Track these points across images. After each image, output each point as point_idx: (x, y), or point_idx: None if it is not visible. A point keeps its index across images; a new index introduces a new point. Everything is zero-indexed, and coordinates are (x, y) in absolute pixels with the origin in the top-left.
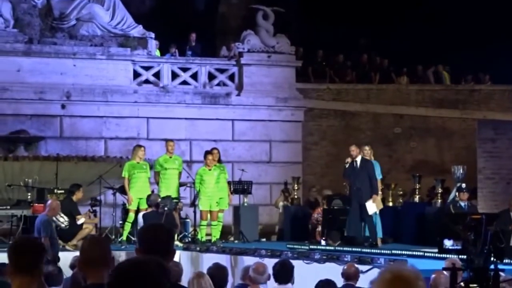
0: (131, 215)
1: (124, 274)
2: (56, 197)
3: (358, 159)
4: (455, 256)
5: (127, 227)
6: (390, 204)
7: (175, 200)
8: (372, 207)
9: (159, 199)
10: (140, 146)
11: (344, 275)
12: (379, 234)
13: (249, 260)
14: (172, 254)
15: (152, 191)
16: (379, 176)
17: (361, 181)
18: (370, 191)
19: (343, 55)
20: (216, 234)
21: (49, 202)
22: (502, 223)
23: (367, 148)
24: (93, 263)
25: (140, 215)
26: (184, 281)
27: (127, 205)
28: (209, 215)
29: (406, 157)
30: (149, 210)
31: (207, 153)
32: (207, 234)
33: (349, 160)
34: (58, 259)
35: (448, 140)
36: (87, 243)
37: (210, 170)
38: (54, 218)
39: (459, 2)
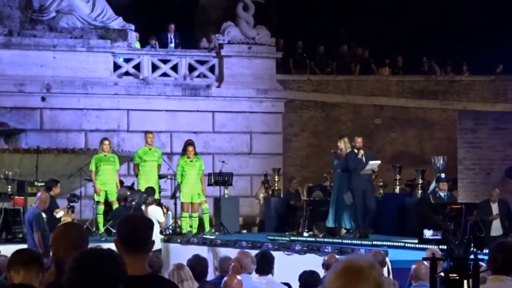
0: (100, 207)
1: (81, 264)
2: (37, 190)
3: (362, 151)
4: (435, 246)
5: (100, 219)
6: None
7: (144, 195)
8: (350, 197)
9: (128, 193)
10: (105, 139)
11: (325, 266)
12: (350, 225)
13: (230, 252)
14: (151, 244)
15: (132, 183)
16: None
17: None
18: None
19: (323, 46)
20: (196, 226)
21: (38, 194)
22: (482, 214)
23: (342, 141)
24: (73, 246)
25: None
26: (164, 272)
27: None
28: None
29: (386, 148)
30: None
31: (188, 144)
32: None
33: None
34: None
35: (428, 131)
36: (64, 228)
37: (192, 161)
38: None
39: None
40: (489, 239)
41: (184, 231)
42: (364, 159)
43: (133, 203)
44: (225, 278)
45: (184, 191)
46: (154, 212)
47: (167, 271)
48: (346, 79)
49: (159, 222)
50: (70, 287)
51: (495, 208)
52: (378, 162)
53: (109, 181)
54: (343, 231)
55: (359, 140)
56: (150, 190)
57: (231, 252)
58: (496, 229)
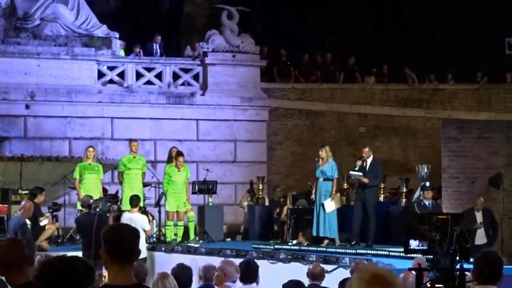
0: None
1: (52, 269)
2: (21, 198)
3: (369, 160)
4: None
5: None
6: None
7: (109, 203)
8: (330, 205)
9: (91, 201)
10: (90, 147)
11: (310, 274)
12: (335, 234)
13: (214, 260)
14: (137, 254)
15: (117, 192)
16: (335, 175)
17: (369, 179)
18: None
19: (308, 54)
20: (180, 234)
21: (23, 203)
22: (466, 222)
23: (320, 150)
24: (14, 264)
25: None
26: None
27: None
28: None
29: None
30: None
31: (178, 154)
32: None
33: (359, 162)
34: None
35: (412, 139)
36: (5, 246)
37: (179, 171)
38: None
39: (422, 4)
40: (474, 248)
41: (168, 239)
42: (368, 169)
43: (97, 209)
44: None
45: (169, 200)
46: (140, 220)
47: (151, 280)
48: (330, 87)
49: (144, 231)
50: None
51: (479, 216)
52: (360, 174)
53: (93, 190)
54: (326, 241)
55: (366, 150)
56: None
57: (215, 261)
58: (480, 237)
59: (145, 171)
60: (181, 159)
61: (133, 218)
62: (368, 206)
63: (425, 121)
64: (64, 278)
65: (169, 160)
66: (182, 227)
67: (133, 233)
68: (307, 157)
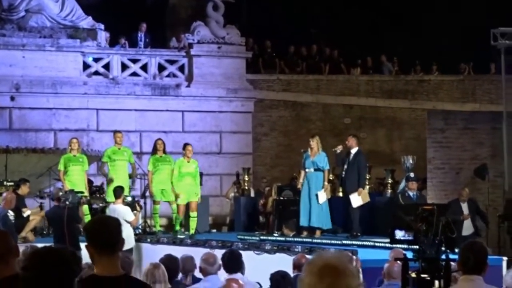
0: None
1: (40, 259)
2: (6, 190)
3: (353, 150)
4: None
5: None
6: (340, 194)
7: (79, 194)
8: (357, 200)
9: (60, 193)
10: (74, 138)
11: (295, 265)
12: (328, 225)
13: (199, 252)
14: (122, 243)
15: (102, 183)
16: (326, 166)
17: (349, 172)
18: (356, 183)
19: (293, 46)
20: (194, 226)
21: (4, 194)
22: (452, 213)
23: (310, 140)
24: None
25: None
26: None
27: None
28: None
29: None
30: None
31: (186, 145)
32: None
33: (340, 147)
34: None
35: (398, 131)
36: None
37: (188, 162)
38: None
39: None
40: (460, 239)
41: (155, 229)
42: (351, 159)
43: (67, 203)
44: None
45: (180, 191)
46: (122, 212)
47: (138, 271)
48: (315, 78)
49: (127, 221)
50: (23, 285)
51: (465, 207)
52: (360, 200)
53: (77, 181)
54: (318, 231)
55: (349, 140)
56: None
57: (201, 252)
58: (467, 228)
59: (133, 162)
60: (190, 148)
61: (116, 209)
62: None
63: (410, 112)
64: (52, 268)
65: (154, 151)
66: (195, 218)
67: (115, 223)
68: (292, 148)
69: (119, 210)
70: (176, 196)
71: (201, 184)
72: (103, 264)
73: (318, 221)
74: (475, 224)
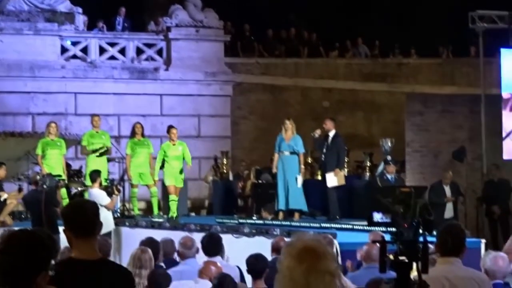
0: None
1: (16, 242)
2: None
3: (331, 133)
4: (378, 229)
5: None
6: (319, 177)
7: (57, 178)
8: (333, 180)
9: (38, 177)
10: (52, 122)
11: (274, 248)
12: (305, 207)
13: (178, 235)
14: (99, 227)
15: (80, 167)
16: (301, 150)
17: (329, 155)
18: (335, 166)
19: (272, 29)
20: (175, 209)
21: None
22: (435, 196)
23: (287, 122)
24: None
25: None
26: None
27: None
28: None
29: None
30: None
31: (170, 127)
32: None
33: (318, 131)
34: None
35: (376, 114)
36: None
37: (174, 145)
38: None
39: None
40: (442, 222)
41: (174, 215)
42: (329, 142)
43: (44, 186)
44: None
45: (167, 174)
46: (96, 196)
47: (117, 254)
48: (294, 62)
49: (102, 205)
50: (0, 268)
51: (448, 190)
52: (335, 180)
53: (55, 165)
54: (297, 213)
55: (326, 122)
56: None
57: (179, 235)
58: (449, 211)
59: (110, 146)
60: (174, 131)
61: (92, 193)
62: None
63: (389, 96)
64: (30, 250)
65: (132, 135)
66: (175, 202)
67: (92, 207)
68: (271, 132)
69: (94, 194)
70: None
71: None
72: (80, 247)
73: (297, 203)
74: (456, 207)
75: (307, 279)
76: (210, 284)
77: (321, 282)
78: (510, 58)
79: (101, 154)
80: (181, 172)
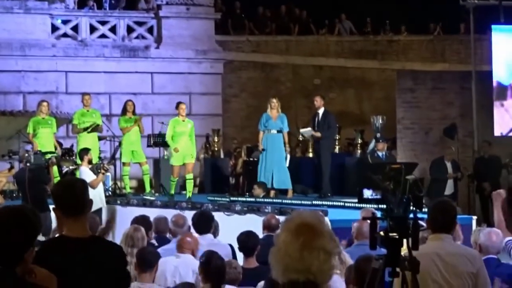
0: None
1: (5, 218)
2: None
3: (321, 111)
4: (370, 206)
5: None
6: (310, 155)
7: (49, 155)
8: (308, 131)
9: (26, 155)
10: (43, 101)
11: (265, 226)
12: (289, 185)
13: (169, 213)
14: (89, 204)
15: (72, 145)
16: (286, 129)
17: (322, 131)
18: (329, 143)
19: (262, 7)
20: (190, 188)
21: None
22: (438, 172)
23: (274, 100)
24: None
25: None
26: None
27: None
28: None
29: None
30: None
31: (179, 103)
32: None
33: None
34: None
35: (367, 91)
36: None
37: (184, 121)
38: None
39: None
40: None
41: (171, 194)
42: (320, 119)
43: (28, 164)
44: (178, 238)
45: (175, 155)
46: (82, 173)
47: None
48: (285, 39)
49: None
50: None
51: (449, 166)
52: (309, 129)
53: (46, 144)
54: (273, 191)
55: (316, 99)
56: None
57: (171, 213)
58: (449, 188)
59: (101, 124)
60: (183, 106)
61: (80, 171)
62: (321, 157)
63: (379, 73)
64: (16, 226)
65: (124, 113)
66: (192, 180)
67: (81, 185)
68: (262, 110)
69: (81, 172)
70: (175, 150)
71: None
72: (70, 226)
73: (284, 182)
74: (457, 184)
75: (302, 254)
76: (191, 257)
77: (316, 258)
78: (503, 40)
79: (92, 130)
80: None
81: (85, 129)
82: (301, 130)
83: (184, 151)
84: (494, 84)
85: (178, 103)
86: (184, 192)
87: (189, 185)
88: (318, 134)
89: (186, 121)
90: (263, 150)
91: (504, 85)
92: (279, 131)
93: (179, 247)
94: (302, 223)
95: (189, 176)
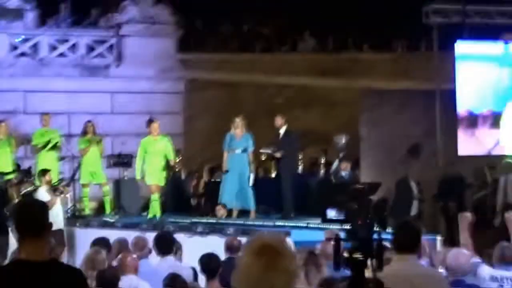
0: None
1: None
2: None
3: (282, 130)
4: (333, 227)
5: None
6: (273, 175)
7: (7, 177)
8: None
9: None
10: (1, 121)
11: (228, 247)
12: (252, 206)
13: (130, 234)
14: (48, 227)
15: (30, 167)
16: (251, 147)
17: (283, 151)
18: (292, 163)
19: (224, 24)
20: (158, 209)
21: None
22: (403, 192)
23: (237, 120)
24: None
25: None
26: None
27: None
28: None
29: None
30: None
31: (151, 121)
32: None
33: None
34: None
35: (331, 110)
36: None
37: (156, 140)
38: None
39: None
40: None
41: (153, 215)
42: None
43: None
44: (119, 256)
45: (149, 171)
46: (38, 195)
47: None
48: (249, 58)
49: None
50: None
51: (414, 186)
52: (268, 150)
53: (4, 165)
54: (253, 212)
55: (277, 119)
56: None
57: (132, 235)
58: (414, 208)
59: (60, 144)
60: (155, 125)
61: (38, 192)
62: (282, 176)
63: (343, 91)
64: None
65: (84, 133)
66: (158, 201)
67: (40, 206)
68: (225, 130)
69: (39, 193)
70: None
71: (130, 166)
72: (28, 248)
73: (248, 202)
74: (421, 204)
75: (265, 276)
76: (135, 278)
77: (278, 280)
78: (470, 67)
79: (52, 148)
80: (163, 169)
81: (44, 147)
82: (261, 150)
83: (157, 172)
84: (464, 113)
85: (150, 121)
86: (144, 213)
87: (156, 204)
88: (278, 154)
89: (159, 138)
90: (226, 172)
91: (475, 114)
92: (244, 150)
93: (122, 269)
94: (264, 244)
95: (155, 197)
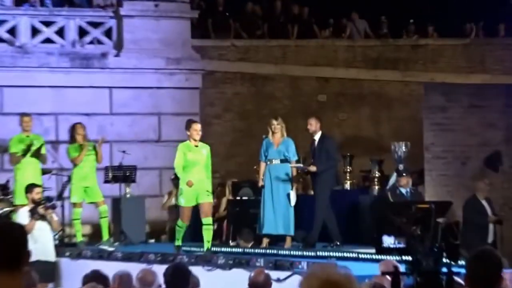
0: None
1: None
2: None
3: (317, 136)
4: (395, 258)
5: None
6: (312, 192)
7: None
8: (294, 196)
9: None
10: None
11: (252, 284)
12: (291, 231)
13: (133, 267)
14: (26, 257)
15: (7, 181)
16: (294, 157)
17: (318, 163)
18: (330, 176)
19: (251, 3)
20: (210, 237)
21: None
22: (475, 213)
23: (275, 122)
24: None
25: None
26: None
27: None
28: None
29: (333, 131)
30: None
31: (191, 122)
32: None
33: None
34: None
35: (386, 110)
36: None
37: (197, 146)
38: None
39: None
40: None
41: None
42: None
43: None
44: None
45: (185, 190)
46: (17, 217)
47: None
48: (281, 44)
49: None
50: None
51: (487, 206)
52: (300, 165)
53: None
54: (266, 240)
55: (311, 123)
56: None
57: (136, 268)
58: (491, 233)
59: (44, 153)
60: (197, 127)
61: (18, 213)
62: (316, 196)
63: (402, 87)
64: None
65: (72, 139)
66: (211, 227)
67: (18, 231)
68: (252, 135)
69: (18, 215)
70: (188, 184)
71: (134, 181)
72: (1, 283)
73: (287, 227)
74: (495, 228)
75: None
76: None
77: None
78: None
79: (34, 155)
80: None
81: (24, 154)
82: (291, 165)
83: (198, 187)
84: None
85: (189, 122)
86: (151, 240)
87: (207, 232)
88: (313, 169)
89: (200, 146)
90: (262, 187)
91: None
92: (284, 161)
93: None
94: (328, 279)
95: (207, 220)
